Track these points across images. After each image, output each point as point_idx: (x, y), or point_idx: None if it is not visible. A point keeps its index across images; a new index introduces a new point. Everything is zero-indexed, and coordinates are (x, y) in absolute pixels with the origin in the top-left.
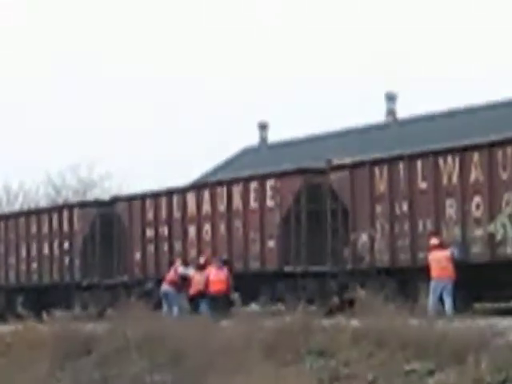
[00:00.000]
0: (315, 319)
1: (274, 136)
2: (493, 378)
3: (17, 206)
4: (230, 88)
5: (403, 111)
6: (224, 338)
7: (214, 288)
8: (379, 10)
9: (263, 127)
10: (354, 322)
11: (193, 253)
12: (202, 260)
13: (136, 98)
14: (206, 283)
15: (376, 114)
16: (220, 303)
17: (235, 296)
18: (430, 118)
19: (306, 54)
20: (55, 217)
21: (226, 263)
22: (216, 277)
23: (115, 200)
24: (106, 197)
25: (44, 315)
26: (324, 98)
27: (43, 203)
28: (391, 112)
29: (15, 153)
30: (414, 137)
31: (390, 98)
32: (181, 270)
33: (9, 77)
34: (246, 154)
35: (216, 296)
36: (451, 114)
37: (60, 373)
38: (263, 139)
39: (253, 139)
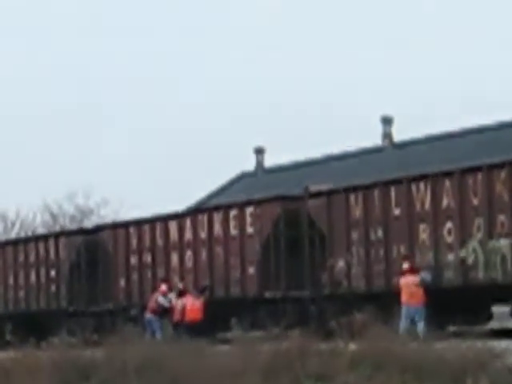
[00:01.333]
0: (312, 343)
1: (270, 160)
2: None
3: (13, 234)
4: (226, 113)
5: (399, 134)
6: (222, 362)
7: (190, 317)
8: (377, 32)
9: (260, 152)
10: (352, 346)
11: (175, 279)
12: (180, 286)
13: (132, 122)
14: (183, 312)
15: (372, 138)
16: (195, 331)
17: (233, 321)
18: (427, 141)
19: (301, 78)
20: (42, 245)
21: (203, 290)
22: (192, 306)
23: (100, 228)
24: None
25: (42, 343)
26: (320, 123)
27: (40, 231)
28: (387, 135)
29: (12, 181)
30: (410, 160)
31: (386, 121)
32: (160, 300)
33: (6, 104)
34: (242, 178)
35: (191, 324)
36: (448, 137)
37: None
38: (259, 164)
39: (249, 164)
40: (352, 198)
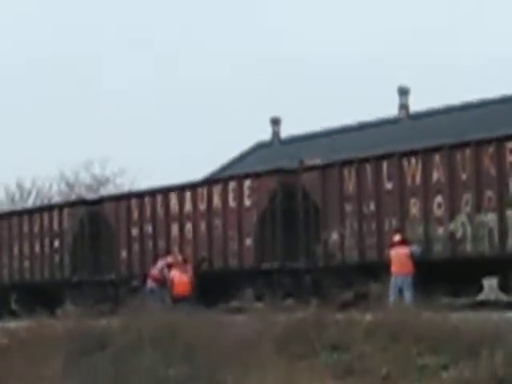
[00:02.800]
0: (328, 314)
1: (286, 131)
2: (507, 372)
3: (30, 203)
4: (243, 83)
5: (416, 105)
6: (237, 333)
7: (177, 290)
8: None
9: (276, 122)
10: (368, 317)
11: (175, 250)
12: (179, 258)
13: (149, 94)
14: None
15: (389, 109)
16: (184, 305)
17: (249, 291)
18: (443, 112)
19: (319, 47)
20: (46, 216)
21: (201, 262)
22: (180, 279)
23: (102, 200)
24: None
25: (56, 311)
26: (337, 93)
27: (56, 200)
28: (403, 106)
29: (28, 150)
30: (426, 131)
31: (403, 92)
32: (166, 272)
33: (22, 73)
34: (258, 148)
35: (179, 298)
36: (464, 108)
37: (75, 368)
38: (276, 134)
39: (265, 134)
40: (346, 171)
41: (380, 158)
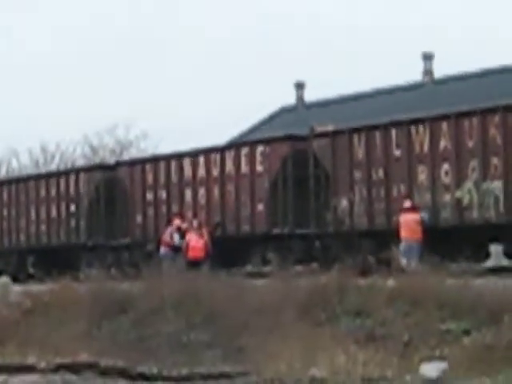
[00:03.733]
0: (350, 279)
1: (310, 95)
2: None
3: (53, 167)
4: (266, 48)
5: (440, 71)
6: (259, 297)
7: (192, 254)
8: None
9: (300, 86)
10: (390, 282)
11: (189, 215)
12: (194, 223)
13: (173, 58)
14: (186, 249)
15: (413, 74)
16: (199, 268)
17: (271, 256)
18: (466, 78)
19: (341, 13)
20: (63, 181)
21: (215, 227)
22: (196, 243)
23: (118, 164)
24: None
25: (80, 274)
26: (361, 59)
27: (80, 163)
28: (428, 72)
29: (52, 113)
30: (450, 96)
31: (427, 57)
32: (175, 237)
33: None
34: (282, 113)
35: (194, 262)
36: (485, 74)
37: (97, 331)
38: (300, 98)
39: (289, 99)
40: (355, 139)
41: (389, 126)
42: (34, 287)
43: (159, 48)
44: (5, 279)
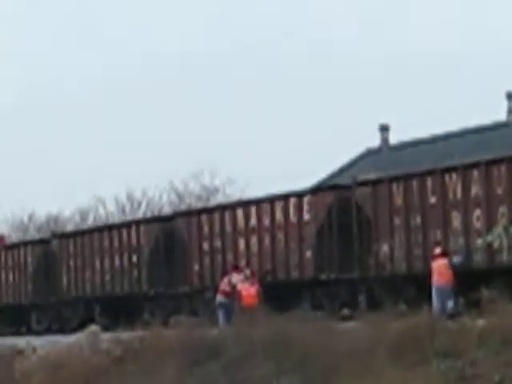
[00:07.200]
0: (440, 320)
1: (395, 138)
2: None
3: (140, 214)
4: (351, 91)
5: None
6: (348, 340)
7: (247, 302)
8: None
9: (384, 129)
10: (480, 322)
11: (242, 263)
12: (247, 272)
13: (256, 101)
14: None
15: (497, 113)
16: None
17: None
18: None
19: (427, 56)
20: (124, 232)
21: (265, 275)
22: (247, 291)
23: (175, 215)
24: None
25: (170, 321)
26: (444, 99)
27: (166, 210)
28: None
29: (138, 161)
30: None
31: (511, 96)
32: (233, 281)
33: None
34: (368, 155)
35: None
36: None
37: (188, 378)
38: (385, 141)
39: (374, 141)
40: (394, 186)
41: (424, 174)
42: (124, 335)
43: (241, 93)
44: (94, 327)
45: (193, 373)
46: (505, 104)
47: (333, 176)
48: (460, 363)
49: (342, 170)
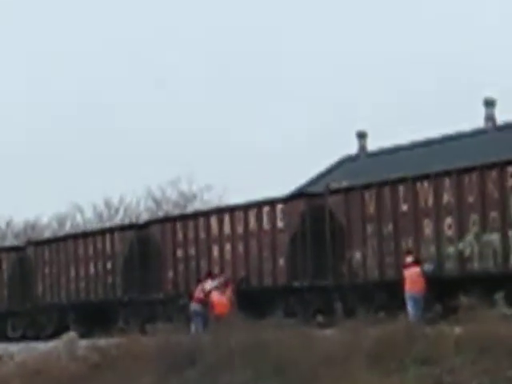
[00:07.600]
0: (418, 327)
1: (373, 145)
2: None
3: (118, 221)
4: (329, 97)
5: (502, 116)
6: (326, 347)
7: (218, 310)
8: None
9: (362, 136)
10: (457, 330)
11: (216, 270)
12: (221, 280)
13: (233, 106)
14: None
15: (475, 120)
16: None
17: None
18: None
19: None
20: (99, 239)
21: (240, 282)
22: (219, 300)
23: (150, 223)
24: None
25: (147, 328)
26: (422, 106)
27: (144, 217)
28: (490, 118)
29: (115, 167)
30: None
31: (489, 103)
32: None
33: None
34: (345, 162)
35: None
36: None
37: None
38: (362, 148)
39: (351, 148)
40: (367, 194)
41: (396, 182)
42: (101, 341)
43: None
44: (71, 334)
45: (170, 379)
46: (482, 111)
47: (310, 183)
48: (437, 370)
49: (319, 178)
